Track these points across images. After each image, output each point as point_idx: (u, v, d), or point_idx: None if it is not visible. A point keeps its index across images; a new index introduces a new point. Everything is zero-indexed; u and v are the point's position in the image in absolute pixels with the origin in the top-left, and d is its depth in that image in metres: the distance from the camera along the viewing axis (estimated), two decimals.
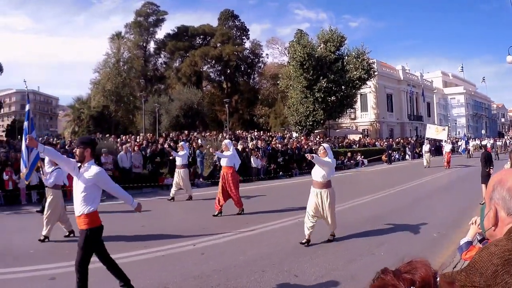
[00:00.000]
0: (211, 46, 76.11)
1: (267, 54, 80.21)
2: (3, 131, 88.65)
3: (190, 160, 22.90)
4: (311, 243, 9.98)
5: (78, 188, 6.52)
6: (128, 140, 30.13)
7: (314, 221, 10.10)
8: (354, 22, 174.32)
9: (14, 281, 7.84)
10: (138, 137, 34.21)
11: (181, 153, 18.56)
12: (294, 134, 50.05)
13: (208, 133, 38.72)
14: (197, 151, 26.29)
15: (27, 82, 12.57)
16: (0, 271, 8.46)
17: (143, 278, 7.74)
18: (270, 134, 46.07)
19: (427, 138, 39.89)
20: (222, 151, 15.70)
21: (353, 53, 50.73)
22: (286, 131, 54.54)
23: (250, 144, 30.42)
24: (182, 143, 20.29)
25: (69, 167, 6.66)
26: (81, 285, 6.47)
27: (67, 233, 11.45)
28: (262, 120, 69.64)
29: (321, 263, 8.51)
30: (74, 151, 6.81)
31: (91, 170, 6.44)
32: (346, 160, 36.74)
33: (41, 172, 12.60)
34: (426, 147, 35.73)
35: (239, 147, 28.40)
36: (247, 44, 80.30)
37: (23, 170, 12.22)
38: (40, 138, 33.44)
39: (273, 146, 32.07)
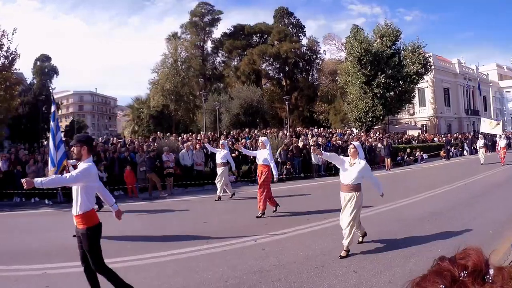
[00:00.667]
0: (268, 44, 76.15)
1: (324, 51, 79.53)
2: (62, 131, 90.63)
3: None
4: (369, 240, 9.95)
5: (74, 187, 6.60)
6: (189, 138, 30.45)
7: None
8: (409, 15, 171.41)
9: (78, 274, 8.03)
10: (199, 135, 34.56)
11: (223, 152, 18.37)
12: (355, 131, 49.55)
13: (269, 131, 38.69)
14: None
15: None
16: (63, 265, 8.84)
17: (205, 272, 7.93)
18: (330, 130, 45.85)
19: (481, 133, 38.15)
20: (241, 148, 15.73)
21: (409, 47, 49.80)
22: (346, 128, 54.11)
23: (310, 141, 30.35)
24: (222, 141, 20.12)
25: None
26: (114, 283, 6.59)
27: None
28: (322, 117, 69.18)
29: (379, 259, 8.53)
30: (71, 149, 6.85)
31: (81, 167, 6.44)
32: (406, 156, 36.14)
33: (68, 170, 12.88)
34: (480, 142, 33.41)
35: (300, 144, 28.41)
36: (304, 41, 80.00)
37: (51, 168, 12.58)
38: (100, 138, 34.21)
39: (334, 142, 31.92)
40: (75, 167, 12.13)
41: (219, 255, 9.15)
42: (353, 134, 41.34)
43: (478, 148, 33.92)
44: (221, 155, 18.39)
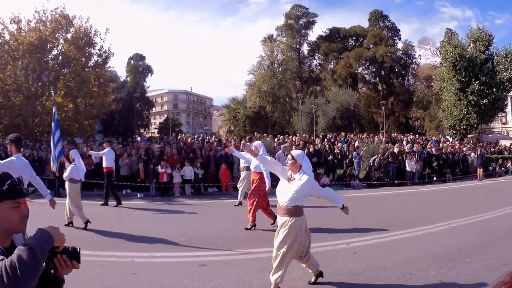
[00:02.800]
0: (364, 47, 76.04)
1: (419, 55, 78.70)
2: (156, 128, 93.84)
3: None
4: (453, 249, 9.82)
5: None
6: (286, 140, 30.62)
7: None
8: (500, 19, 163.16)
9: (166, 264, 8.67)
10: (294, 137, 34.70)
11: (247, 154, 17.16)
12: (449, 139, 48.25)
13: (364, 135, 38.38)
14: (354, 153, 26.31)
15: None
16: (154, 254, 9.38)
17: (294, 271, 7.93)
18: (426, 137, 44.93)
19: None
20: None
21: (502, 53, 47.76)
22: (440, 135, 52.82)
23: (406, 148, 29.90)
24: (257, 142, 18.76)
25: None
26: None
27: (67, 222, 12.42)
28: (417, 123, 68.01)
29: (466, 270, 8.25)
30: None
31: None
32: (497, 167, 34.74)
33: (65, 166, 13.70)
34: None
35: (395, 150, 27.97)
36: (399, 45, 79.38)
37: (52, 163, 13.45)
38: (196, 136, 35.19)
39: (428, 150, 31.37)
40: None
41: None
42: (448, 142, 40.21)
43: None
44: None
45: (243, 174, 16.92)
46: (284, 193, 7.01)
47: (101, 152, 18.31)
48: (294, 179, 7.02)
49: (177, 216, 15.22)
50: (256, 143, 13.34)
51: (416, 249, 9.92)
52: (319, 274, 7.49)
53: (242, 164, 16.78)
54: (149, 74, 71.70)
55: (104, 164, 17.39)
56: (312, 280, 7.49)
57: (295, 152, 7.35)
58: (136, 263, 8.60)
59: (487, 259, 8.97)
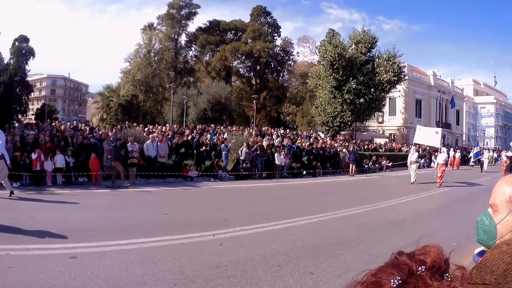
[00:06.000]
0: (242, 41, 76.58)
1: (297, 53, 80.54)
2: (33, 114, 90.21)
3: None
4: (328, 243, 9.96)
5: None
6: (155, 130, 30.56)
7: None
8: (388, 24, 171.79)
9: (40, 257, 8.19)
10: (164, 127, 34.71)
11: None
12: (321, 135, 49.85)
13: (234, 128, 38.91)
14: (222, 145, 26.55)
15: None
16: (28, 247, 8.90)
17: (163, 263, 7.97)
18: (296, 132, 45.94)
19: (415, 144, 30.33)
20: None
21: (384, 56, 49.90)
22: (312, 131, 54.34)
23: (276, 141, 30.69)
24: None
25: None
26: None
27: None
28: (289, 118, 69.27)
29: (338, 263, 8.43)
30: None
31: None
32: (371, 163, 36.33)
33: None
34: (413, 156, 26.85)
35: (264, 143, 28.60)
36: (278, 42, 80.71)
37: None
38: (69, 123, 34.34)
39: (298, 145, 32.09)
40: None
41: (176, 248, 9.19)
42: (319, 138, 41.61)
43: (409, 163, 27.37)
44: None
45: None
46: None
47: None
48: None
49: (49, 206, 14.78)
50: None
51: (284, 241, 10.04)
52: None
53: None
54: (32, 57, 69.01)
55: None
56: None
57: None
58: (12, 256, 8.21)
59: (359, 252, 9.31)
